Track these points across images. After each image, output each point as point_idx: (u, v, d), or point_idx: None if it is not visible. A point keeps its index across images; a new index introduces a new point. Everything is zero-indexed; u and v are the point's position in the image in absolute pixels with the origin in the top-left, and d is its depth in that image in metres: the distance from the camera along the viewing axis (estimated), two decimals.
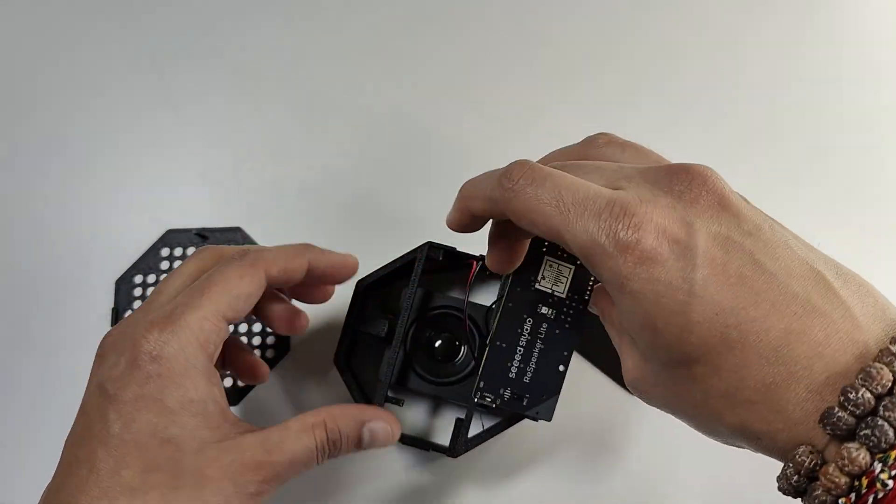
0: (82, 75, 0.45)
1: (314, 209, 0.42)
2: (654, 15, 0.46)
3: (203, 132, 0.44)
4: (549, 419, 0.30)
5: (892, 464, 0.18)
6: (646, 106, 0.44)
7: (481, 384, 0.29)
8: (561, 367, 0.30)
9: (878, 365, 0.18)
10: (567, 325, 0.30)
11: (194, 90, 0.45)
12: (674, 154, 0.43)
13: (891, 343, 0.19)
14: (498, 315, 0.29)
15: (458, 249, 0.35)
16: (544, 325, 0.30)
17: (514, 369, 0.30)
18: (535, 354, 0.30)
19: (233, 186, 0.43)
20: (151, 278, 0.41)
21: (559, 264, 0.30)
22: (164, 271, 0.41)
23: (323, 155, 0.44)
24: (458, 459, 0.32)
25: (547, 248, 0.30)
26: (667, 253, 0.20)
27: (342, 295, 0.34)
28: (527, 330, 0.29)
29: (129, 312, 0.40)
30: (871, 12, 0.46)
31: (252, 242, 0.42)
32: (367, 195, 0.43)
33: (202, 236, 0.42)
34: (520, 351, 0.29)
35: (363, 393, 0.35)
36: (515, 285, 0.29)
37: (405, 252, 0.35)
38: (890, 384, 0.18)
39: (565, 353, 0.30)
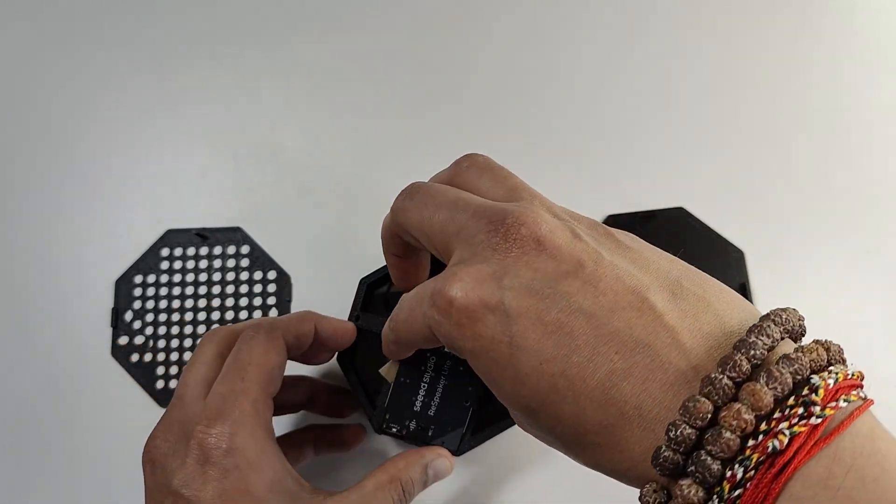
0: (82, 75, 0.45)
1: (314, 209, 0.42)
2: (659, 16, 0.46)
3: (203, 132, 0.44)
4: (454, 450, 0.31)
5: (728, 497, 0.17)
6: (648, 106, 0.44)
7: (387, 415, 0.31)
8: (467, 402, 0.31)
9: (697, 398, 0.18)
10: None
11: (194, 90, 0.45)
12: (678, 155, 0.43)
13: (716, 369, 0.18)
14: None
15: None
16: (447, 363, 0.32)
17: (418, 403, 0.32)
18: (440, 390, 0.32)
19: (233, 186, 0.43)
20: (151, 278, 0.41)
21: None
22: (164, 271, 0.41)
23: (323, 155, 0.44)
24: (462, 456, 0.33)
25: None
26: (481, 311, 0.21)
27: (345, 293, 0.34)
28: (430, 367, 0.32)
29: (128, 315, 0.40)
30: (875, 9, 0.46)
31: (252, 242, 0.41)
32: (367, 195, 0.43)
33: (202, 236, 0.42)
34: (423, 387, 0.32)
35: (367, 392, 0.35)
36: None
37: None
38: (709, 415, 0.17)
39: (470, 389, 0.31)
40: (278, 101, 0.45)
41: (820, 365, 0.18)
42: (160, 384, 0.39)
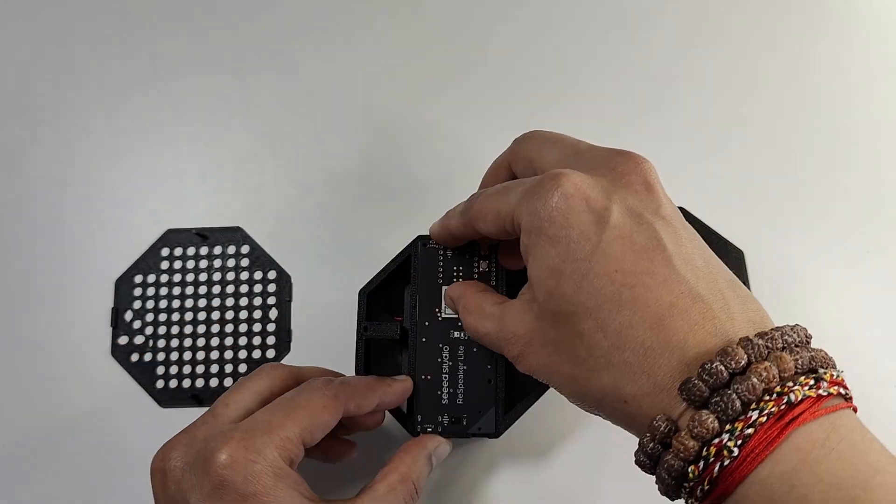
0: (83, 75, 0.45)
1: (314, 209, 0.42)
2: (660, 16, 0.46)
3: (203, 132, 0.44)
4: (493, 432, 0.31)
5: (739, 433, 0.20)
6: (648, 106, 0.44)
7: (419, 417, 0.31)
8: (489, 381, 0.32)
9: (735, 347, 0.21)
10: None
11: (194, 90, 0.45)
12: (678, 155, 0.43)
13: (754, 336, 0.21)
14: (416, 352, 0.32)
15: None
16: (461, 348, 0.32)
17: (444, 396, 0.32)
18: (461, 376, 0.32)
19: (233, 186, 0.43)
20: (151, 278, 0.41)
21: None
22: (164, 271, 0.41)
23: (323, 155, 0.44)
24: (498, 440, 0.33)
25: (443, 279, 0.32)
26: (582, 206, 0.23)
27: (345, 293, 0.34)
28: (446, 357, 0.32)
29: (128, 315, 0.40)
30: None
31: (252, 242, 0.41)
32: (367, 195, 0.43)
33: (202, 236, 0.42)
34: (445, 378, 0.32)
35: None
36: (423, 320, 0.32)
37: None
38: (743, 364, 0.20)
39: (489, 367, 0.32)
40: (278, 101, 0.45)
41: (827, 363, 0.22)
42: (160, 384, 0.39)
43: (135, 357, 0.40)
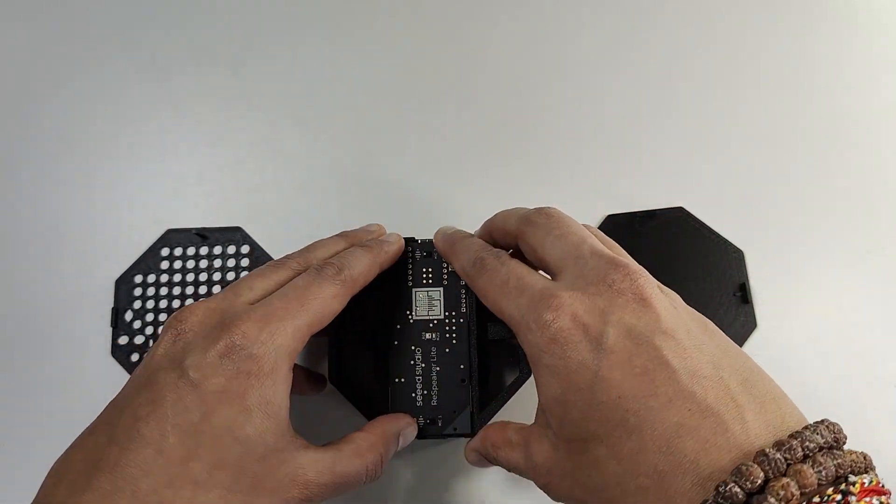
0: (83, 75, 0.45)
1: (314, 209, 0.42)
2: (659, 17, 0.46)
3: (203, 132, 0.44)
4: (469, 431, 0.32)
5: None
6: (648, 106, 0.44)
7: None
8: (463, 380, 0.32)
9: (750, 464, 0.19)
10: (454, 341, 0.32)
11: (194, 90, 0.45)
12: (678, 155, 0.43)
13: (771, 448, 0.20)
14: (388, 356, 0.32)
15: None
16: (433, 349, 0.32)
17: (419, 398, 0.32)
18: (434, 377, 0.32)
19: (233, 186, 0.43)
20: (151, 278, 0.41)
21: (427, 291, 0.33)
22: (164, 271, 0.41)
23: (323, 154, 0.44)
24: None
25: (412, 281, 0.33)
26: (579, 336, 0.23)
27: None
28: (418, 359, 0.32)
29: (128, 315, 0.40)
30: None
31: (253, 243, 0.41)
32: (367, 195, 0.43)
33: (202, 236, 0.42)
34: (418, 380, 0.32)
35: (368, 403, 0.35)
36: (395, 324, 0.32)
37: None
38: (760, 483, 0.19)
39: (462, 367, 0.32)
40: (278, 101, 0.45)
41: (858, 468, 0.20)
42: None
43: (135, 357, 0.40)
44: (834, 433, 0.21)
